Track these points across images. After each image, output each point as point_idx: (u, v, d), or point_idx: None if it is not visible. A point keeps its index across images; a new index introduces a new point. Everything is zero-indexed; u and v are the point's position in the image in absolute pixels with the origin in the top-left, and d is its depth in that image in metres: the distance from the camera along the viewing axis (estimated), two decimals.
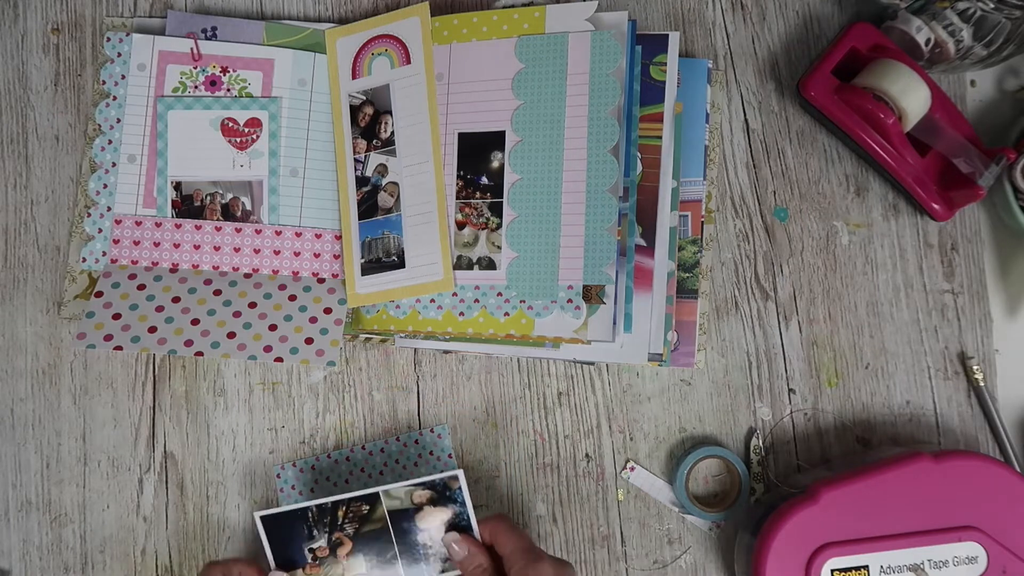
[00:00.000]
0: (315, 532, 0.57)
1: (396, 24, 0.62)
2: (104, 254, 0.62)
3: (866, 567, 0.55)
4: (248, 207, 0.62)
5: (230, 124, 0.62)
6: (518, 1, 0.64)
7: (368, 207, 0.62)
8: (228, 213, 0.62)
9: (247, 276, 0.62)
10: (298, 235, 0.62)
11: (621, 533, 0.63)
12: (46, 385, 0.63)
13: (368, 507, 0.57)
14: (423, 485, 0.56)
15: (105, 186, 0.63)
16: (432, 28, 0.61)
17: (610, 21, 0.59)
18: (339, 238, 0.63)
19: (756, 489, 0.62)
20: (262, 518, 0.57)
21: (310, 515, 0.57)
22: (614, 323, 0.58)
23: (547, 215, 0.59)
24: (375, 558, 0.57)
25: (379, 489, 0.56)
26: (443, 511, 0.56)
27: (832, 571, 0.55)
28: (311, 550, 0.57)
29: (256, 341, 0.58)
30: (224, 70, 0.63)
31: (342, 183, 0.62)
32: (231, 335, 0.59)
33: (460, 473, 0.55)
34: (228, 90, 0.63)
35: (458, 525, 0.56)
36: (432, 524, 0.56)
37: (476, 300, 0.60)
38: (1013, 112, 0.66)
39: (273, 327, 0.59)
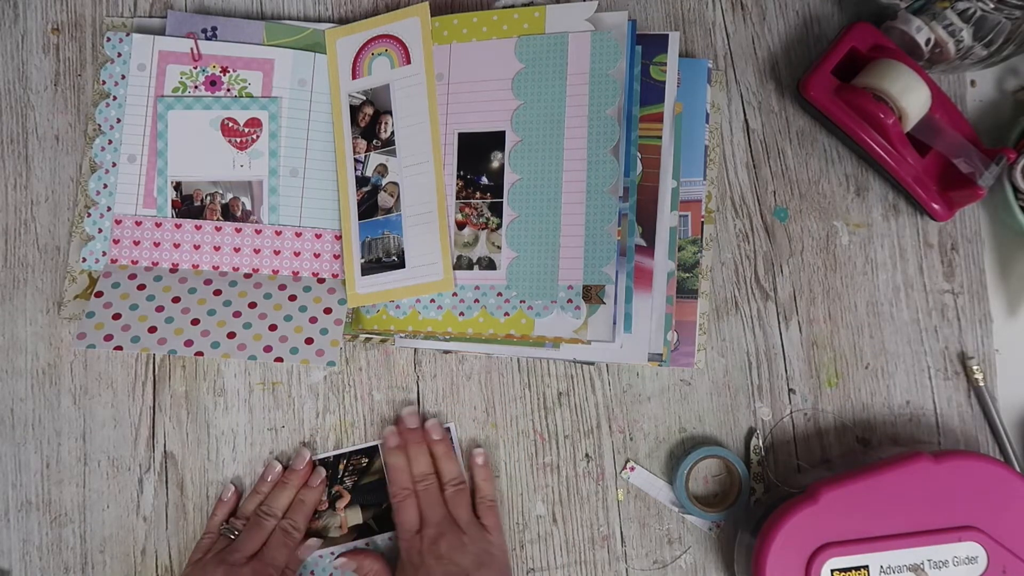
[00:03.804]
0: None
1: (396, 24, 0.62)
2: (104, 254, 0.62)
3: (866, 567, 0.55)
4: (248, 207, 0.62)
5: (230, 124, 0.62)
6: (518, 1, 0.64)
7: (368, 207, 0.62)
8: (228, 213, 0.62)
9: (247, 276, 0.62)
10: (298, 235, 0.62)
11: (621, 533, 0.63)
12: (46, 385, 0.63)
13: (367, 460, 0.62)
14: None
15: (105, 186, 0.63)
16: (432, 28, 0.61)
17: (610, 21, 0.59)
18: (339, 238, 0.63)
19: (756, 489, 0.62)
20: None
21: None
22: (614, 323, 0.58)
23: (547, 215, 0.59)
24: (371, 508, 0.62)
25: (378, 442, 0.62)
26: None
27: (832, 571, 0.55)
28: None
29: (256, 341, 0.58)
30: (224, 70, 0.63)
31: (342, 183, 0.62)
32: (231, 335, 0.59)
33: (452, 426, 0.63)
34: (228, 90, 0.63)
35: None
36: None
37: (476, 300, 0.60)
38: (1013, 112, 0.66)
39: (273, 327, 0.59)
